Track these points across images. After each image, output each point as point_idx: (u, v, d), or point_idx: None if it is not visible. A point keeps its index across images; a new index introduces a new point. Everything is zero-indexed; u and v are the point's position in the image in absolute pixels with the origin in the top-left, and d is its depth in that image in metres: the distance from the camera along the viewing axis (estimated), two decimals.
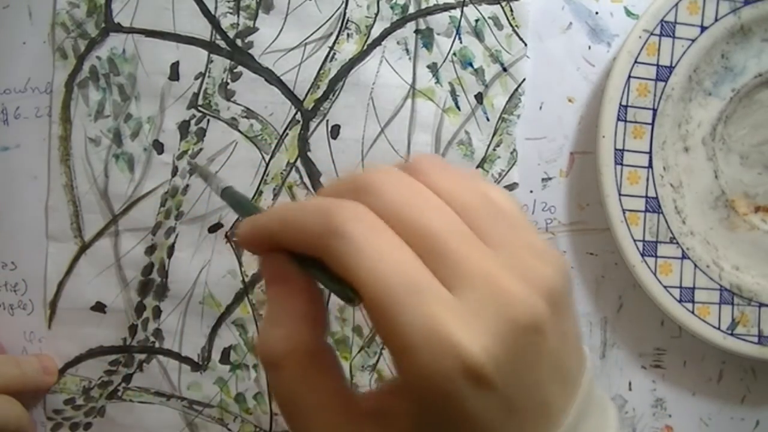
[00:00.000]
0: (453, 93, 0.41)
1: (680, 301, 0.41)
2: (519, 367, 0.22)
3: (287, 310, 0.25)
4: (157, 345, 0.42)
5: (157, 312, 0.42)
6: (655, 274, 0.40)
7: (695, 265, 0.41)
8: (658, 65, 0.40)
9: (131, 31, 0.41)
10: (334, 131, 0.41)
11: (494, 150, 0.41)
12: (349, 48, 0.41)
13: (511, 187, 0.41)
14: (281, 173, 0.41)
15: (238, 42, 0.41)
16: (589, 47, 0.42)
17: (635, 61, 0.39)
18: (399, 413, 0.23)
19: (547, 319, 0.22)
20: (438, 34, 0.41)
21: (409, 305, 0.21)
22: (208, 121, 0.41)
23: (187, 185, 0.41)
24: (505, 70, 0.41)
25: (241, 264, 0.41)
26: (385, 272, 0.21)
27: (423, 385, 0.21)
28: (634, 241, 0.40)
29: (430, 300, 0.21)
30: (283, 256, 0.25)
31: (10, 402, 0.38)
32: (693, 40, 0.40)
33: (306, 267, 0.24)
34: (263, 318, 0.26)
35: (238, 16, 0.41)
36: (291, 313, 0.25)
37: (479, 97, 0.41)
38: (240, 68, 0.41)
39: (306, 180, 0.41)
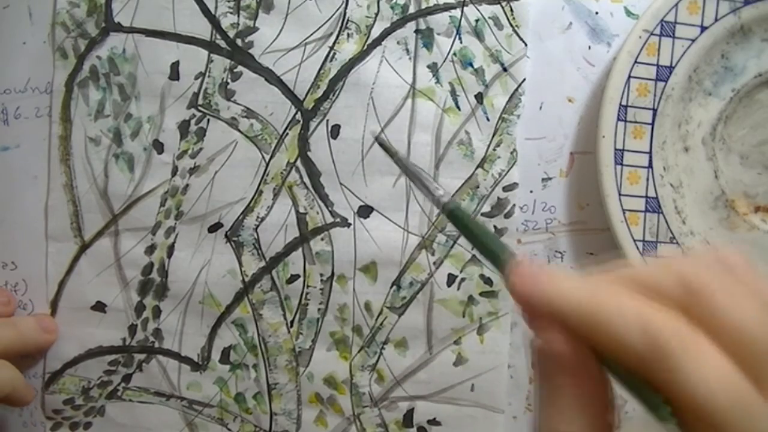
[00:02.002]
0: (453, 93, 0.41)
1: None
2: None
3: (586, 412, 0.22)
4: (156, 345, 0.42)
5: (157, 312, 0.42)
6: None
7: None
8: (658, 65, 0.40)
9: (131, 30, 0.41)
10: (334, 131, 0.41)
11: (494, 150, 0.41)
12: (349, 48, 0.41)
13: (511, 187, 0.41)
14: (281, 173, 0.41)
15: (238, 42, 0.41)
16: (589, 47, 0.42)
17: (635, 61, 0.39)
18: None
19: None
20: (438, 34, 0.41)
21: (740, 425, 0.20)
22: (208, 120, 0.41)
23: (187, 185, 0.41)
24: (505, 70, 0.41)
25: (241, 264, 0.41)
26: (714, 391, 0.20)
27: None
28: (634, 241, 0.40)
29: (760, 417, 0.20)
30: (590, 352, 0.22)
31: (4, 366, 0.38)
32: (693, 40, 0.40)
33: (611, 368, 0.22)
34: (545, 406, 0.23)
35: (238, 16, 0.41)
36: (590, 415, 0.22)
37: (479, 97, 0.41)
38: (240, 68, 0.41)
39: (306, 180, 0.41)
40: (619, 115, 0.40)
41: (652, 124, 0.40)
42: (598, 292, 0.22)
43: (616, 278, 0.22)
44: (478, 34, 0.41)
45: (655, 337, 0.20)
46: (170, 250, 0.41)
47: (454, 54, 0.41)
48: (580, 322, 0.21)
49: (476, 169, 0.41)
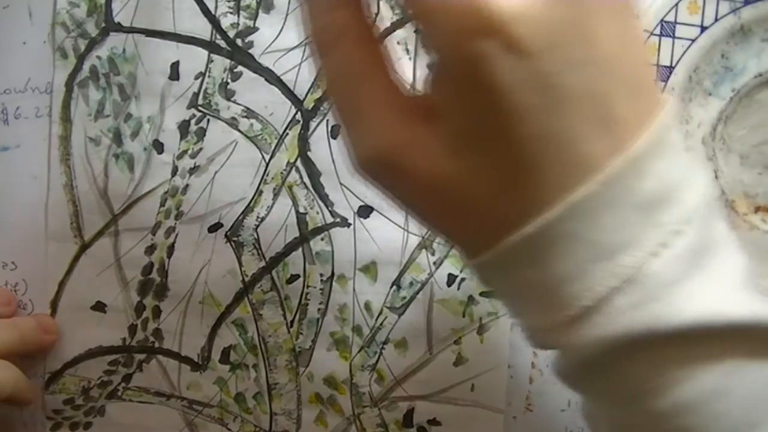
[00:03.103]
0: None
1: None
2: (561, 40, 0.19)
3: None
4: (156, 345, 0.42)
5: (157, 312, 0.42)
6: None
7: None
8: (658, 65, 0.40)
9: (131, 30, 0.41)
10: (335, 131, 0.41)
11: None
12: None
13: None
14: (281, 173, 0.41)
15: (238, 42, 0.41)
16: None
17: None
18: (444, 106, 0.22)
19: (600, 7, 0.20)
20: None
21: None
22: (208, 120, 0.41)
23: (187, 185, 0.41)
24: None
25: (241, 264, 0.41)
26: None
27: (451, 55, 0.20)
28: None
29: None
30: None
31: (5, 366, 0.38)
32: (693, 40, 0.40)
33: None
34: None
35: (238, 16, 0.41)
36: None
37: None
38: (240, 68, 0.41)
39: (306, 180, 0.41)
40: None
41: None
42: None
43: None
44: None
45: None
46: (170, 250, 0.41)
47: None
48: None
49: None
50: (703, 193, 0.22)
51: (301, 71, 0.41)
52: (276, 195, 0.41)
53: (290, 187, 0.41)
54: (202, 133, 0.41)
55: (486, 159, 0.21)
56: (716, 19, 0.40)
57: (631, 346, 0.21)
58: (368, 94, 0.23)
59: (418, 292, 0.41)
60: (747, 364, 0.22)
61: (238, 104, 0.41)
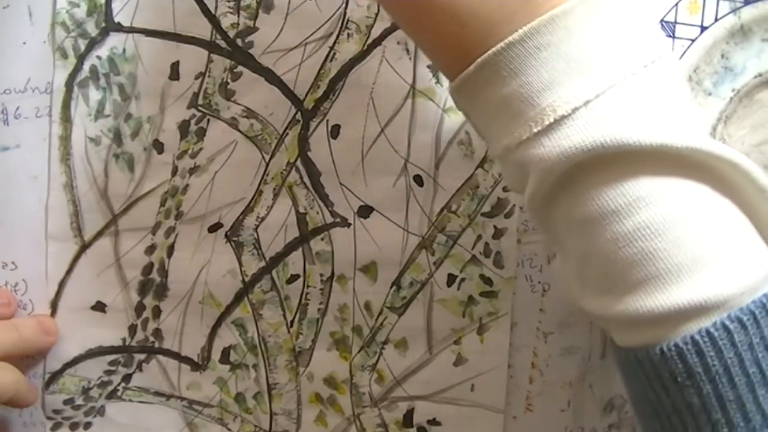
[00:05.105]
0: None
1: None
2: None
3: None
4: (156, 345, 0.42)
5: (157, 312, 0.42)
6: None
7: None
8: None
9: (131, 30, 0.41)
10: (334, 131, 0.41)
11: None
12: (349, 48, 0.41)
13: None
14: (281, 173, 0.41)
15: (239, 42, 0.41)
16: None
17: None
18: None
19: None
20: None
21: None
22: (208, 120, 0.41)
23: (187, 185, 0.41)
24: None
25: (241, 264, 0.41)
26: None
27: None
28: None
29: None
30: None
31: (5, 369, 0.38)
32: (693, 40, 0.40)
33: None
34: None
35: (239, 16, 0.41)
36: None
37: None
38: (240, 68, 0.41)
39: (306, 180, 0.41)
40: None
41: None
42: None
43: None
44: None
45: None
46: (170, 250, 0.41)
47: None
48: None
49: (476, 169, 0.41)
50: (669, 47, 0.25)
51: (301, 71, 0.41)
52: (276, 195, 0.41)
53: (290, 187, 0.41)
54: (202, 133, 0.41)
55: None
56: (716, 19, 0.40)
57: (599, 159, 0.23)
58: None
59: (418, 292, 0.41)
60: (705, 193, 0.24)
61: (238, 104, 0.41)
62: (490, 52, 0.24)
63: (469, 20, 0.24)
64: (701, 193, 0.24)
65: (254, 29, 0.41)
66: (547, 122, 0.23)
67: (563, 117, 0.23)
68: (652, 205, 0.23)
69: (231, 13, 0.41)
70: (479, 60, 0.25)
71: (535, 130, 0.24)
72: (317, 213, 0.41)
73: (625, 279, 0.24)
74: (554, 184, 0.24)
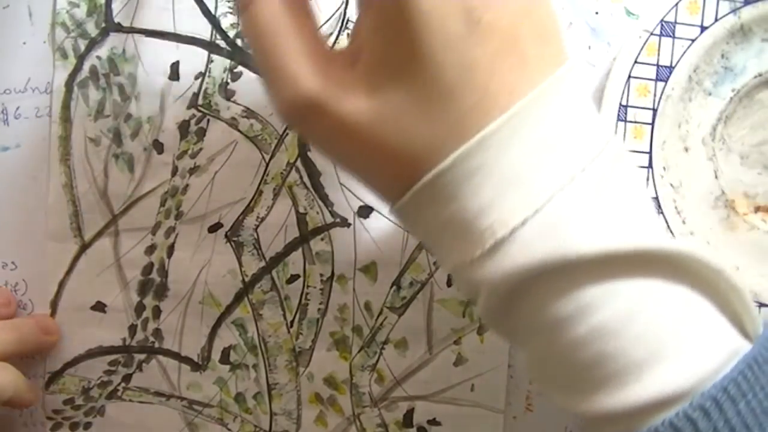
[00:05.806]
0: None
1: None
2: None
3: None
4: (156, 345, 0.42)
5: (157, 312, 0.42)
6: None
7: None
8: (658, 65, 0.40)
9: (131, 31, 0.41)
10: None
11: None
12: None
13: None
14: (281, 173, 0.41)
15: (239, 42, 0.41)
16: (589, 47, 0.42)
17: (635, 61, 0.39)
18: (365, 39, 0.24)
19: None
20: None
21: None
22: (208, 121, 0.41)
23: (187, 185, 0.41)
24: None
25: (241, 264, 0.41)
26: None
27: None
28: None
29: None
30: None
31: (5, 369, 0.38)
32: (693, 40, 0.40)
33: None
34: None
35: (239, 16, 0.41)
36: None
37: None
38: (240, 68, 0.41)
39: (306, 180, 0.41)
40: (619, 115, 0.40)
41: (652, 124, 0.40)
42: None
43: None
44: None
45: None
46: (170, 250, 0.41)
47: None
48: None
49: None
50: (609, 137, 0.24)
51: None
52: (276, 195, 0.41)
53: (290, 187, 0.41)
54: (202, 133, 0.41)
55: (404, 91, 0.23)
56: (716, 19, 0.40)
57: (545, 274, 0.23)
58: (292, 45, 0.25)
59: (418, 292, 0.41)
60: (657, 286, 0.23)
61: (238, 104, 0.41)
62: (423, 181, 0.24)
63: (400, 153, 0.24)
64: (652, 287, 0.23)
65: None
66: (488, 246, 0.23)
67: (503, 239, 0.23)
68: (603, 309, 0.23)
69: (231, 13, 0.41)
70: (413, 189, 0.24)
71: (477, 254, 0.23)
72: (317, 213, 0.41)
73: (586, 379, 0.24)
74: (504, 299, 0.24)
